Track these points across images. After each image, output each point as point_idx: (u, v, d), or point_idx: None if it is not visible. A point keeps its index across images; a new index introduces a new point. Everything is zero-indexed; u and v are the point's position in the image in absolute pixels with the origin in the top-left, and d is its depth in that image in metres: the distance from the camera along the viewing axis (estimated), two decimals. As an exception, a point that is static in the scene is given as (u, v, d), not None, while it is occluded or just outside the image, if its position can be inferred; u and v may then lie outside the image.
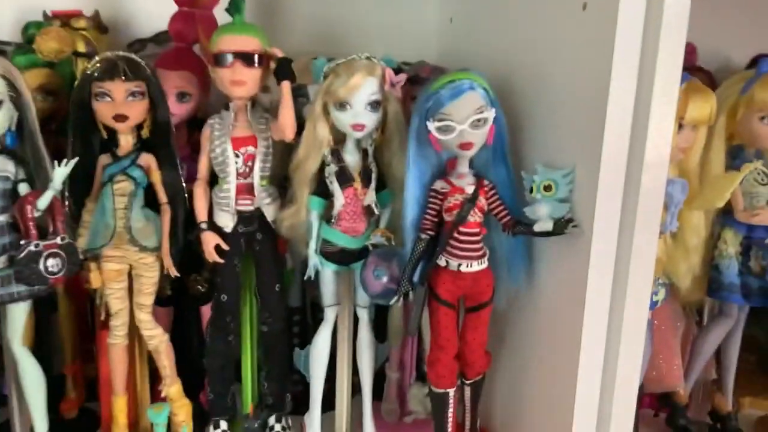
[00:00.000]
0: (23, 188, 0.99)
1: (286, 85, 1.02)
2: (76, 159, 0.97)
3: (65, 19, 1.19)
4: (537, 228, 0.93)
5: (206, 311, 1.15)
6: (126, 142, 1.07)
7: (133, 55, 1.04)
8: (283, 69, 1.02)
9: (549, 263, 1.00)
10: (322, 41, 1.38)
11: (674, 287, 1.11)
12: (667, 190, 0.87)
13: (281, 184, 1.12)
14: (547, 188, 0.92)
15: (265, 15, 1.37)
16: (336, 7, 1.40)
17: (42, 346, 1.12)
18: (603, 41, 0.83)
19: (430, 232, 1.01)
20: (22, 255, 0.94)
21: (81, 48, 1.15)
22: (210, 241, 1.08)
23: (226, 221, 1.09)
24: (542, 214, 0.93)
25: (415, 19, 1.42)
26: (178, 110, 1.15)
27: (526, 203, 0.96)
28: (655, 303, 1.03)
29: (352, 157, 1.06)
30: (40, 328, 1.13)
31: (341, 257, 1.09)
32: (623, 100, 0.84)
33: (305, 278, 1.10)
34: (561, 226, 0.91)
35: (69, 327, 1.23)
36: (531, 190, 0.93)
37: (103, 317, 1.11)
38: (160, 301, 1.14)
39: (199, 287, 1.19)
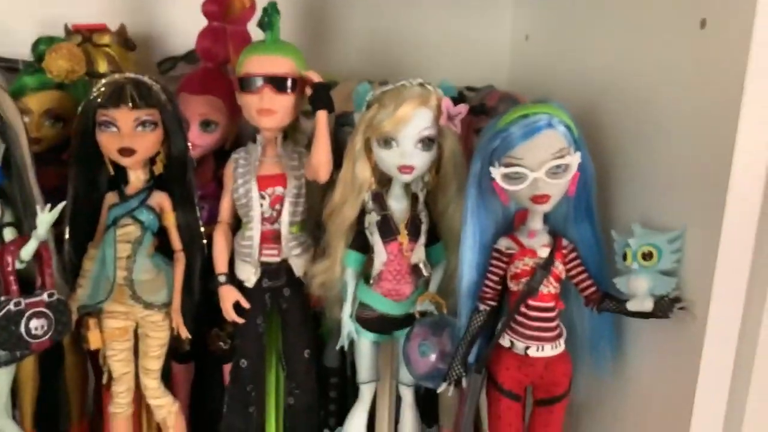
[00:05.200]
0: (8, 233, 0.87)
1: (321, 115, 0.90)
2: (63, 204, 0.85)
3: (87, 33, 1.09)
4: (631, 307, 0.79)
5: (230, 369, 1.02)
6: (136, 178, 0.96)
7: (144, 78, 0.92)
8: (320, 96, 0.90)
9: (645, 349, 0.85)
10: (375, 62, 1.24)
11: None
12: None
13: (315, 231, 0.99)
14: (647, 256, 0.77)
15: (307, 31, 1.23)
16: (391, 22, 1.25)
17: (46, 403, 1.03)
18: (730, 64, 0.69)
19: (491, 303, 0.86)
20: (0, 315, 0.78)
21: (102, 67, 1.05)
22: (228, 297, 0.96)
23: (248, 274, 0.97)
24: (639, 289, 0.77)
25: (484, 37, 1.28)
26: (201, 140, 1.04)
27: (616, 271, 0.81)
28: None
29: (398, 204, 0.93)
30: (44, 382, 1.03)
31: (381, 325, 0.95)
32: (755, 138, 0.69)
33: (338, 347, 0.97)
34: (665, 306, 0.76)
35: (76, 383, 1.11)
36: (625, 257, 0.78)
37: (105, 381, 1.02)
38: (178, 356, 1.04)
39: (221, 344, 1.06)
